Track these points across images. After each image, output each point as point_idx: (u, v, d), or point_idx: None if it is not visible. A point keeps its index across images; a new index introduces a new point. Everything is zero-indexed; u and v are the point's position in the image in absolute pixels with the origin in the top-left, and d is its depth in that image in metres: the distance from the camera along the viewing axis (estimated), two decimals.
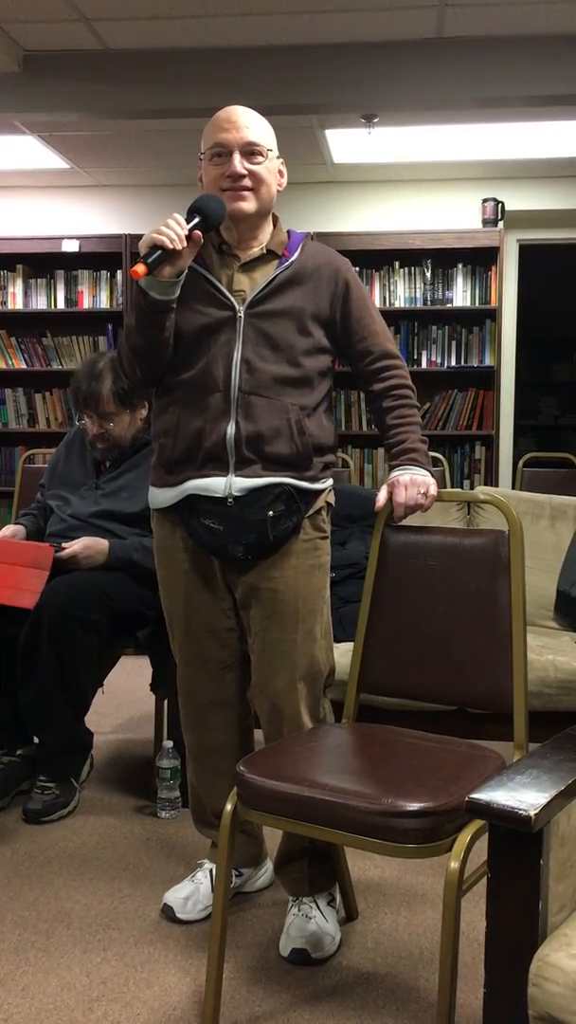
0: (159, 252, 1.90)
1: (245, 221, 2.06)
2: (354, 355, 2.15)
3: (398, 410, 2.13)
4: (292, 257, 2.09)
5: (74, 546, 2.82)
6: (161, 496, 2.12)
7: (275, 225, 2.15)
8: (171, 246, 1.90)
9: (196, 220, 1.95)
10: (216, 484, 2.01)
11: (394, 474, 2.07)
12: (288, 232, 2.15)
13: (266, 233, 2.12)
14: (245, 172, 2.01)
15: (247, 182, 2.02)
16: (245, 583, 2.09)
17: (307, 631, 2.07)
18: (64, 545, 2.83)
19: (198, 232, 1.95)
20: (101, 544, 2.87)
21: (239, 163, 2.01)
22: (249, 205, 2.03)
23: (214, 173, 2.04)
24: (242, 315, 2.03)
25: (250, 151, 2.03)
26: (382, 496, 2.07)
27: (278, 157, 2.11)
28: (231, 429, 2.00)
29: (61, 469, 3.15)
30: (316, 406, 2.08)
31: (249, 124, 2.03)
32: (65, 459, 3.16)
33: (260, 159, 2.04)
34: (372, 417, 2.18)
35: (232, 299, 2.04)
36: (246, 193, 2.02)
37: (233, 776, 1.82)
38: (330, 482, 2.14)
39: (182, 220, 1.93)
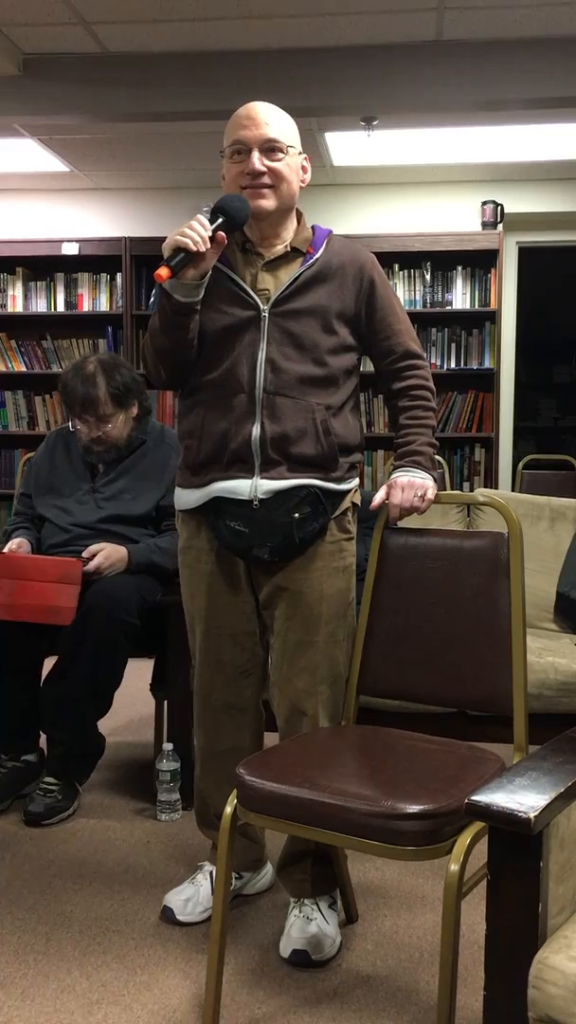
0: (182, 255, 1.88)
1: (266, 219, 2.04)
2: (377, 353, 2.14)
3: (412, 411, 2.13)
4: (316, 254, 2.06)
5: (97, 558, 2.82)
6: (187, 497, 2.11)
7: (299, 222, 2.13)
8: (194, 248, 1.88)
9: (220, 221, 1.93)
10: (241, 486, 2.00)
11: (394, 475, 2.07)
12: (313, 228, 2.12)
13: (290, 230, 2.10)
14: (264, 169, 1.99)
15: (267, 179, 1.99)
16: (270, 584, 2.08)
17: (330, 633, 2.06)
18: (85, 556, 2.82)
19: (222, 233, 1.93)
20: (121, 552, 2.86)
21: (258, 160, 1.98)
22: (269, 203, 2.01)
23: (234, 171, 2.01)
24: (266, 314, 2.01)
25: (270, 148, 1.99)
26: (379, 496, 2.07)
27: (300, 153, 2.08)
28: (256, 430, 1.99)
29: (47, 476, 3.07)
30: (342, 405, 2.07)
31: (269, 121, 2.00)
32: (49, 465, 3.08)
33: (280, 155, 2.01)
34: (388, 415, 2.19)
35: (256, 298, 2.02)
36: (266, 191, 2.00)
37: None
38: (356, 482, 2.13)
39: (205, 222, 1.91)
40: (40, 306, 5.80)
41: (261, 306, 2.01)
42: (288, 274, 2.04)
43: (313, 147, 5.09)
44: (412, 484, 2.04)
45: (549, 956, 1.24)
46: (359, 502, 2.16)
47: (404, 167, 5.46)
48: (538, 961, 1.24)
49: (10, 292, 5.80)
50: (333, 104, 4.22)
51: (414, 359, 2.13)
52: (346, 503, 2.10)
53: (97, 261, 5.70)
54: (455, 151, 5.15)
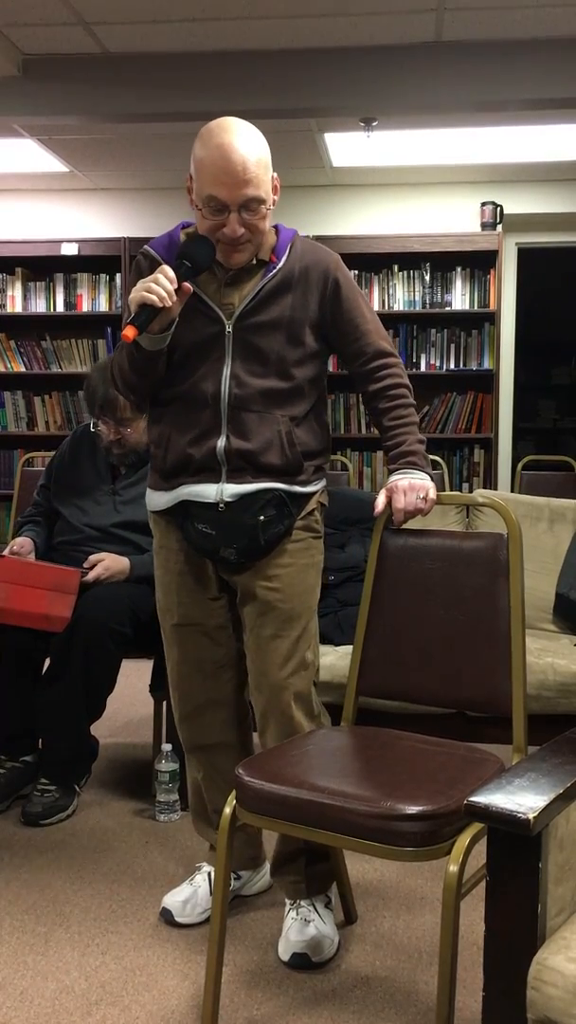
0: (148, 310, 1.88)
1: (242, 265, 2.01)
2: (348, 355, 2.12)
3: (395, 411, 2.10)
4: (279, 263, 2.02)
5: (96, 570, 2.85)
6: (157, 499, 2.14)
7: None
8: (160, 304, 1.87)
9: (185, 267, 1.92)
10: (208, 490, 2.02)
11: (393, 478, 2.06)
12: (277, 229, 2.07)
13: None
14: (243, 232, 1.94)
15: (244, 236, 1.95)
16: (240, 583, 2.10)
17: (301, 628, 2.08)
18: (86, 567, 2.84)
19: (187, 285, 1.93)
20: (122, 564, 2.88)
21: (237, 224, 1.93)
22: (245, 256, 1.99)
23: (209, 225, 1.95)
24: (231, 330, 2.00)
25: (248, 206, 1.93)
26: (381, 501, 2.05)
27: (273, 176, 2.00)
28: (221, 443, 2.00)
29: (69, 472, 3.10)
30: (307, 413, 2.08)
31: (248, 177, 1.89)
32: (72, 461, 3.11)
33: (259, 208, 1.94)
34: (370, 418, 2.18)
35: (220, 313, 2.01)
36: (243, 246, 1.97)
37: (232, 774, 1.82)
38: (322, 483, 2.14)
39: (171, 274, 1.89)
40: (39, 306, 5.80)
41: (225, 321, 2.01)
42: (251, 286, 2.01)
43: (312, 148, 5.10)
44: (413, 487, 2.02)
45: (548, 957, 1.24)
46: (326, 502, 2.16)
47: (403, 168, 5.46)
48: (537, 962, 1.24)
49: (9, 292, 5.80)
50: (332, 105, 4.22)
51: (386, 358, 2.11)
52: (312, 504, 2.11)
53: (96, 261, 5.70)
54: (454, 152, 5.16)
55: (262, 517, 2.02)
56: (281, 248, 2.04)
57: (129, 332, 1.88)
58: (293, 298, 2.02)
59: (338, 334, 2.09)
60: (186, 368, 2.03)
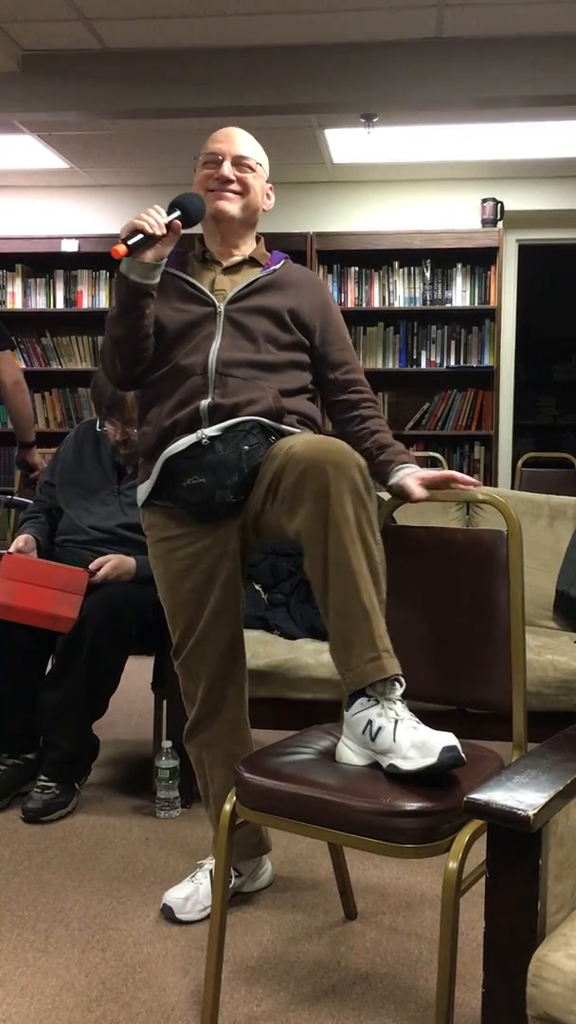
0: (140, 236, 1.97)
1: (228, 223, 2.14)
2: (330, 362, 2.20)
3: (378, 419, 2.20)
4: (274, 267, 2.18)
5: (105, 568, 2.85)
6: (144, 488, 2.15)
7: (258, 242, 2.25)
8: (151, 231, 1.97)
9: (177, 213, 2.03)
10: (188, 438, 2.04)
11: (407, 470, 2.06)
12: (270, 251, 2.24)
13: (249, 245, 2.22)
14: (233, 177, 2.12)
15: (235, 186, 2.12)
16: (248, 511, 2.06)
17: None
18: (92, 568, 2.84)
19: (178, 222, 2.02)
20: (128, 564, 2.88)
21: (228, 168, 2.12)
22: (233, 207, 2.13)
23: (203, 174, 2.14)
24: (222, 310, 2.10)
25: (240, 162, 2.13)
26: (419, 490, 2.01)
27: (268, 182, 2.21)
28: (206, 402, 2.04)
29: (73, 470, 3.09)
30: (294, 392, 2.13)
31: (242, 141, 2.15)
32: (76, 459, 3.10)
33: (249, 171, 2.14)
34: (335, 411, 2.21)
35: (213, 297, 2.11)
36: (231, 195, 2.12)
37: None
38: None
39: (162, 210, 2.01)
40: (39, 303, 5.80)
41: (217, 303, 2.10)
42: (245, 278, 2.15)
43: (313, 144, 5.09)
44: (421, 477, 2.05)
45: (548, 954, 1.24)
46: None
47: (404, 164, 5.46)
48: (537, 959, 1.24)
49: (9, 289, 5.80)
50: (333, 101, 4.22)
51: (361, 374, 2.23)
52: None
53: (96, 258, 5.69)
54: (455, 148, 5.15)
55: (246, 447, 2.01)
56: (276, 259, 2.21)
57: (120, 248, 1.94)
58: (283, 294, 2.15)
59: (324, 342, 2.19)
60: (177, 347, 2.10)
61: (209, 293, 2.11)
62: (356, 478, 1.81)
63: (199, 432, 2.03)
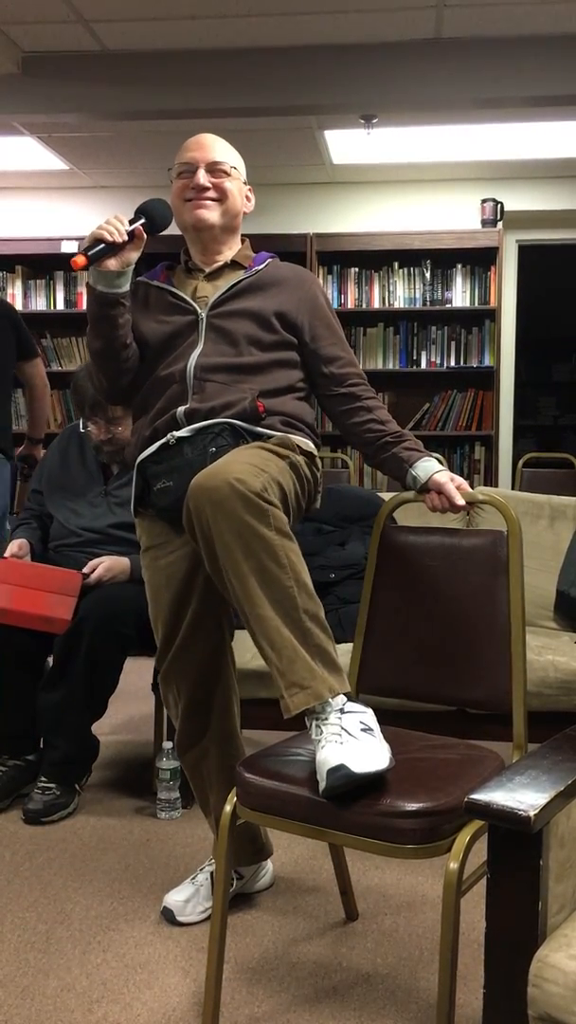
0: (100, 245, 1.97)
1: (208, 231, 2.12)
2: (323, 357, 2.15)
3: (382, 410, 2.15)
4: (256, 268, 2.15)
5: (98, 571, 2.85)
6: (131, 494, 2.15)
7: (242, 244, 2.22)
8: (110, 239, 1.97)
9: (141, 220, 2.04)
10: (159, 442, 2.04)
11: (425, 467, 2.04)
12: (255, 252, 2.22)
13: (233, 250, 2.19)
14: (208, 185, 2.09)
15: (212, 194, 2.10)
16: None
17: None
18: (87, 571, 2.84)
19: (140, 228, 2.03)
20: (123, 564, 2.88)
21: (203, 176, 2.09)
22: (212, 215, 2.10)
23: (179, 185, 2.12)
24: (204, 317, 2.09)
25: (215, 168, 2.10)
26: (457, 499, 2.00)
27: (246, 183, 2.18)
28: (182, 409, 2.03)
29: (59, 475, 3.09)
30: (279, 392, 2.07)
31: (215, 147, 2.12)
32: (61, 464, 3.10)
33: (224, 175, 2.11)
34: (340, 409, 2.15)
35: (195, 304, 2.10)
36: (209, 203, 2.10)
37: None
38: (300, 437, 2.06)
39: (124, 218, 2.02)
40: (40, 304, 5.80)
41: (199, 311, 2.09)
42: (227, 282, 2.12)
43: (312, 145, 5.09)
44: (453, 478, 2.03)
45: (549, 954, 1.24)
46: (316, 455, 2.10)
47: (404, 165, 5.46)
48: (538, 959, 1.24)
49: (10, 290, 5.80)
50: (333, 102, 4.22)
51: (357, 368, 2.19)
52: (278, 438, 2.02)
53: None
54: (455, 149, 5.15)
55: (213, 448, 1.97)
56: (258, 260, 2.18)
57: (79, 259, 1.95)
58: (266, 295, 2.11)
59: (313, 339, 2.13)
60: (159, 359, 2.10)
61: (191, 301, 2.10)
62: (236, 510, 1.71)
63: (169, 435, 2.02)
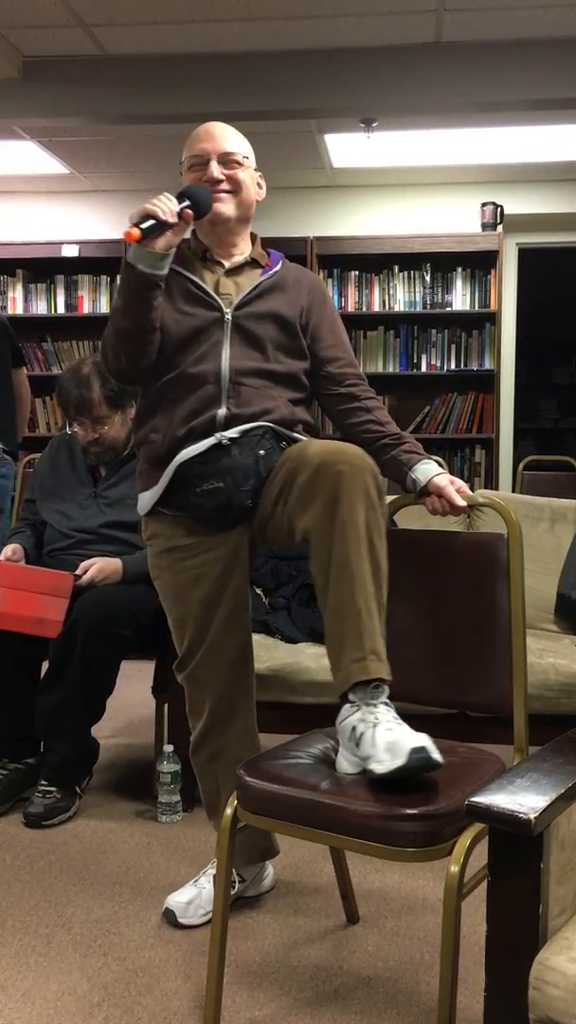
0: (152, 221, 1.93)
1: (224, 224, 2.11)
2: (322, 358, 2.17)
3: (382, 411, 2.17)
4: (275, 268, 2.15)
5: (90, 572, 2.84)
6: (151, 496, 2.11)
7: (253, 241, 2.21)
8: (163, 217, 1.93)
9: (186, 203, 1.99)
10: (206, 441, 2.03)
11: (425, 469, 2.06)
12: (268, 252, 2.22)
13: (246, 243, 2.19)
14: (222, 177, 2.07)
15: (225, 186, 2.08)
16: (259, 516, 2.07)
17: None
18: (79, 573, 2.84)
19: (189, 211, 1.98)
20: (115, 564, 2.88)
21: (216, 169, 2.07)
22: (228, 208, 2.09)
23: (191, 178, 2.09)
24: (229, 317, 2.07)
25: (227, 159, 2.08)
26: (436, 503, 2.05)
27: (256, 170, 2.16)
28: (222, 412, 2.03)
29: (49, 482, 3.10)
30: (299, 403, 2.14)
31: (226, 136, 2.09)
32: (51, 470, 3.11)
33: (237, 166, 2.09)
34: (340, 409, 2.17)
35: (219, 301, 2.08)
36: (224, 196, 2.08)
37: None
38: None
39: (172, 198, 1.97)
40: (40, 308, 5.80)
41: (224, 309, 2.07)
42: (249, 281, 2.12)
43: (313, 149, 5.10)
44: (451, 479, 2.05)
45: (550, 957, 1.24)
46: None
47: (404, 168, 5.46)
48: (539, 962, 1.24)
49: (10, 294, 5.81)
50: (333, 106, 4.23)
51: (358, 369, 2.21)
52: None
53: (97, 263, 5.70)
54: (455, 152, 5.16)
55: (261, 451, 2.03)
56: (275, 259, 2.18)
57: (133, 231, 1.90)
58: (287, 298, 2.13)
59: (315, 339, 2.16)
60: (184, 352, 2.07)
61: (216, 297, 2.08)
62: (368, 482, 1.83)
63: (218, 435, 2.02)
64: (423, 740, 1.62)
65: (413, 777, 1.62)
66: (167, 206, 1.93)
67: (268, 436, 2.04)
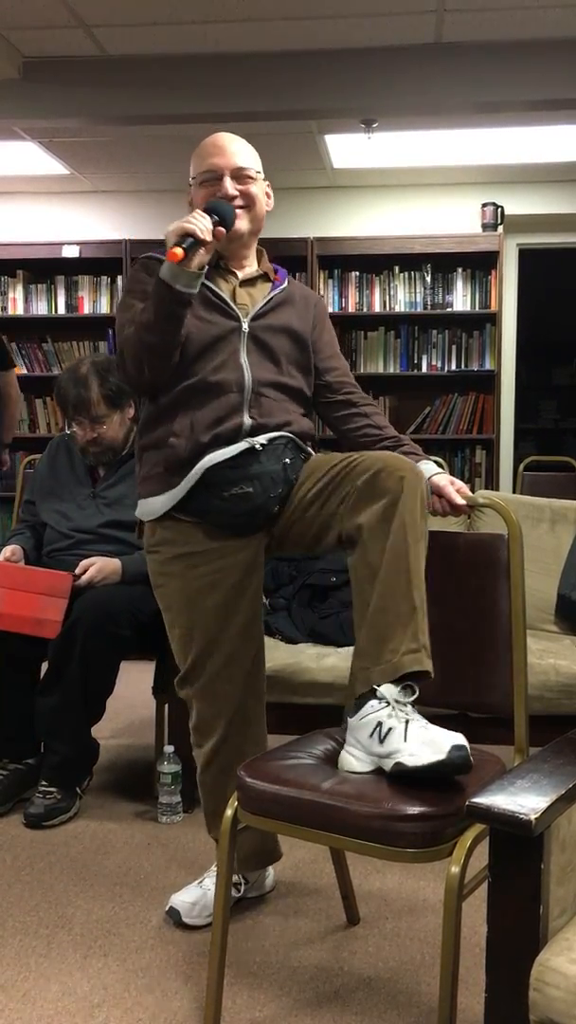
0: (191, 240, 1.92)
1: (239, 239, 2.13)
2: (320, 369, 2.24)
3: (379, 417, 2.24)
4: (283, 283, 2.20)
5: (90, 572, 2.84)
6: (163, 501, 2.07)
7: (260, 255, 2.24)
8: (202, 236, 1.93)
9: (216, 219, 1.99)
10: (236, 445, 2.04)
11: (425, 469, 2.10)
12: (275, 268, 2.26)
13: (253, 252, 2.21)
14: (237, 193, 2.08)
15: (240, 201, 2.09)
16: (279, 523, 2.11)
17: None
18: (78, 573, 2.84)
19: (220, 228, 1.98)
20: (114, 564, 2.88)
21: (230, 185, 2.07)
22: (243, 223, 2.11)
23: (204, 194, 2.09)
24: (246, 328, 2.08)
25: (240, 175, 2.09)
26: (438, 503, 2.10)
27: (265, 180, 2.18)
28: (248, 420, 2.05)
29: (48, 483, 3.10)
30: (306, 415, 2.20)
31: (237, 150, 2.10)
32: (50, 471, 3.12)
33: (250, 181, 2.11)
34: (338, 415, 2.24)
35: (237, 311, 2.09)
36: (239, 212, 2.09)
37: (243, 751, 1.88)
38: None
39: (206, 215, 1.97)
40: (41, 308, 5.80)
41: (242, 319, 2.09)
42: (262, 293, 2.16)
43: (313, 150, 5.10)
44: (451, 480, 2.11)
45: (550, 958, 1.24)
46: None
47: (404, 169, 5.46)
48: (539, 963, 1.24)
49: (11, 295, 5.81)
50: (333, 106, 4.22)
51: (353, 379, 2.28)
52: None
53: (98, 264, 5.70)
54: (455, 153, 5.16)
55: (287, 459, 2.07)
56: (282, 274, 2.23)
57: (178, 251, 1.89)
58: (296, 312, 2.18)
59: (316, 351, 2.22)
60: (202, 360, 2.06)
61: (234, 306, 2.09)
62: (424, 492, 1.92)
63: (248, 439, 2.03)
64: (461, 739, 1.65)
65: (444, 775, 1.63)
66: (204, 224, 1.94)
67: (290, 446, 2.09)
